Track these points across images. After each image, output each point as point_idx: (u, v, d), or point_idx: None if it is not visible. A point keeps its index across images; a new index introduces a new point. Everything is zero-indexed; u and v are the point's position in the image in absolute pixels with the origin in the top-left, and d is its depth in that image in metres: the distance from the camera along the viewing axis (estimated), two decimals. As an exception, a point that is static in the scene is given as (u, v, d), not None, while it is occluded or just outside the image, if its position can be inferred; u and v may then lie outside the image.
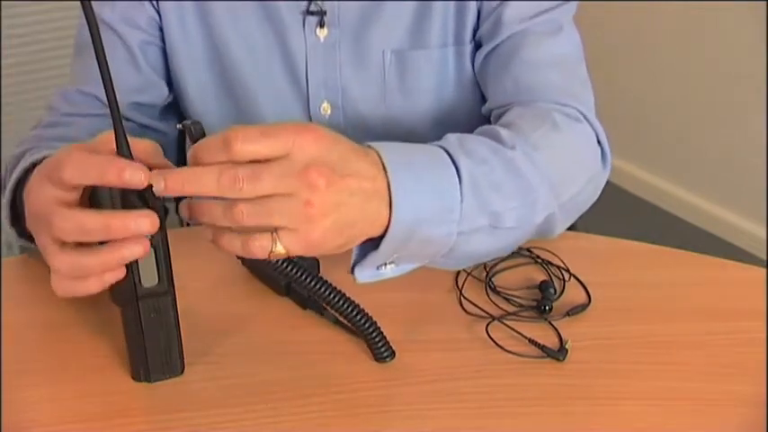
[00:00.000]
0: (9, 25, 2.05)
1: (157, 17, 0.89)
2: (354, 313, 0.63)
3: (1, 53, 2.05)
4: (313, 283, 0.61)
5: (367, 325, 0.64)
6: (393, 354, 0.65)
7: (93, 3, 0.52)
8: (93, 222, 0.54)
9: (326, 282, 0.62)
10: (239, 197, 0.53)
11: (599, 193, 0.80)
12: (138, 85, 0.90)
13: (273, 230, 0.55)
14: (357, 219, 0.57)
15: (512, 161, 0.67)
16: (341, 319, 0.66)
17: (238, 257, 0.65)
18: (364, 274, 0.63)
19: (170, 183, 0.54)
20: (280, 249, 0.55)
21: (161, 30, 0.90)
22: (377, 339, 0.64)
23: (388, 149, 0.60)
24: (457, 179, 0.62)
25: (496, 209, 0.65)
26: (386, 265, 0.63)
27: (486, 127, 0.73)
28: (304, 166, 0.54)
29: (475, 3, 0.87)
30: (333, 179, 0.55)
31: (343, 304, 0.63)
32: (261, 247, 0.55)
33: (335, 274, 0.64)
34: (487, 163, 0.65)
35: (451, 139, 0.66)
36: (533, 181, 0.68)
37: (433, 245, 0.62)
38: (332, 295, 0.62)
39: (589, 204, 0.79)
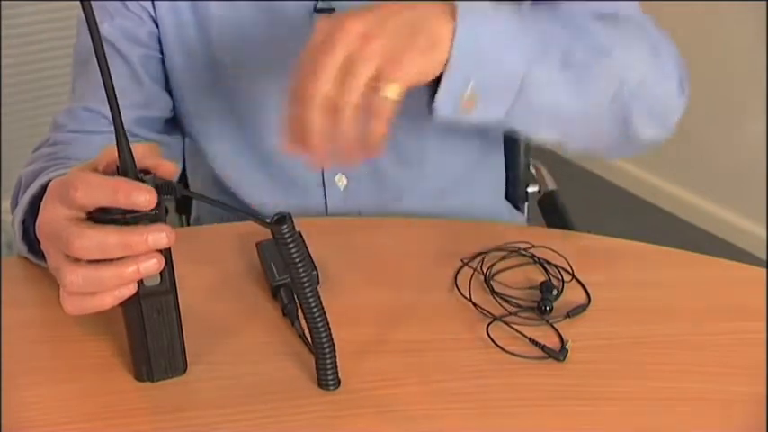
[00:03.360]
0: (9, 25, 2.05)
1: (156, 30, 0.89)
2: (322, 329, 0.61)
3: (1, 53, 2.05)
4: (303, 278, 0.59)
5: (327, 346, 0.62)
6: (338, 383, 0.63)
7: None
8: (113, 239, 0.55)
9: (315, 289, 0.60)
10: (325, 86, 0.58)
11: (673, 100, 0.79)
12: (142, 100, 0.90)
13: (375, 84, 0.58)
14: (416, 17, 0.61)
15: (572, 18, 0.71)
16: (306, 333, 0.64)
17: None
18: (444, 103, 0.65)
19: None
20: (390, 89, 0.59)
21: (160, 42, 0.90)
22: (329, 364, 0.62)
23: None
24: (516, 12, 0.67)
25: (561, 42, 0.68)
26: (466, 94, 0.64)
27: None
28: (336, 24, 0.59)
29: None
30: (364, 15, 0.60)
31: (317, 314, 0.60)
32: (383, 101, 0.59)
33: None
34: (545, 19, 0.70)
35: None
36: (592, 28, 0.71)
37: (505, 64, 0.65)
38: (312, 302, 0.60)
39: (667, 107, 0.79)
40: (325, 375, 0.62)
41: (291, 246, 0.57)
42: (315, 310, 0.60)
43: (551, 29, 0.69)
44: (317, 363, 0.63)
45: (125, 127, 0.92)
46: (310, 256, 0.72)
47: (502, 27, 0.66)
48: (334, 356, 0.62)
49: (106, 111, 0.84)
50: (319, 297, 0.60)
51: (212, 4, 0.87)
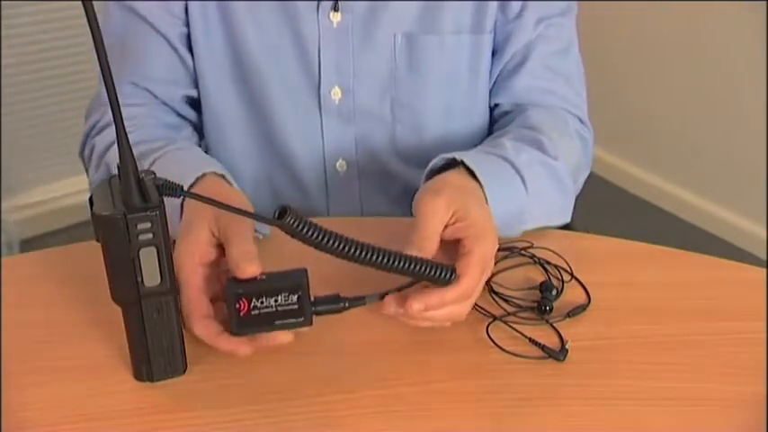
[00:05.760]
0: (9, 25, 2.05)
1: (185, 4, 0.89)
2: (399, 263, 0.62)
3: (1, 53, 2.05)
4: (343, 249, 0.60)
5: (417, 267, 0.62)
6: (453, 272, 0.64)
7: None
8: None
9: (362, 244, 0.60)
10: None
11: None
12: (188, 79, 0.91)
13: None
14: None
15: (555, 169, 0.83)
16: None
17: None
18: None
19: None
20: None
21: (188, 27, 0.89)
22: (429, 272, 0.63)
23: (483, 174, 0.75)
24: (524, 188, 0.78)
25: (547, 208, 0.83)
26: None
27: (527, 134, 0.85)
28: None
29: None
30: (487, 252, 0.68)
31: (386, 261, 0.61)
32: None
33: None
34: (540, 175, 0.81)
35: (508, 146, 0.81)
36: (568, 186, 0.84)
37: (511, 232, 0.79)
38: (373, 256, 0.61)
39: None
40: (439, 278, 0.63)
41: (305, 231, 0.57)
42: (380, 259, 0.61)
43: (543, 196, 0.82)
44: (428, 279, 0.64)
45: (172, 106, 0.94)
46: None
47: (514, 208, 0.77)
48: (425, 263, 0.63)
49: (151, 85, 0.88)
50: (372, 246, 0.61)
51: (236, 3, 0.87)
